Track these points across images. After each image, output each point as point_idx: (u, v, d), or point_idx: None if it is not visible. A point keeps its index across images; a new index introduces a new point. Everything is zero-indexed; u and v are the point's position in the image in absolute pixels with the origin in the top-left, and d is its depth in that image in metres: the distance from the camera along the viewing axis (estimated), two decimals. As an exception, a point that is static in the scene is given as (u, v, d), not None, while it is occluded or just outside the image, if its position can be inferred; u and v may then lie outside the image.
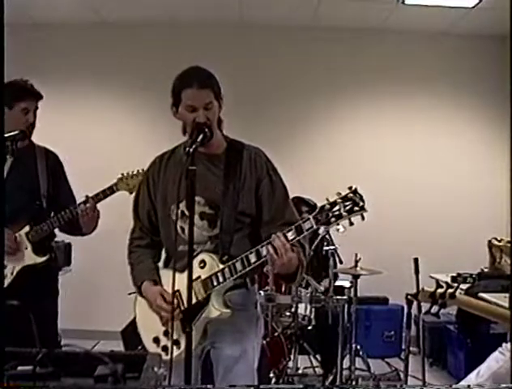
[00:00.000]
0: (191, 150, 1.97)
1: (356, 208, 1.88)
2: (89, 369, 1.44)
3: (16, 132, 2.71)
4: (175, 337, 2.08)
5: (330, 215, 1.90)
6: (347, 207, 1.89)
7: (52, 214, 2.90)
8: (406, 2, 4.98)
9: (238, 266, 2.05)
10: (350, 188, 1.91)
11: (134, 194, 2.50)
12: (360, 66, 5.67)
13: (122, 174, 2.78)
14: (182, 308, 2.10)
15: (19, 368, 1.45)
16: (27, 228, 2.85)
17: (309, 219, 1.94)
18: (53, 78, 5.43)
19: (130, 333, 3.75)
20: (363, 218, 1.89)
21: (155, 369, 1.45)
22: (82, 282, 4.93)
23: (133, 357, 1.53)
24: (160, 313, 2.18)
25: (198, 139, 2.05)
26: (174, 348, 2.06)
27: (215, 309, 2.10)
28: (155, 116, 5.52)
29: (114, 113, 5.78)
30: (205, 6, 5.23)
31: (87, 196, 2.76)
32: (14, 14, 4.63)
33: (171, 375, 1.90)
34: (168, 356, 2.04)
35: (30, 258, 2.85)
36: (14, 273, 2.83)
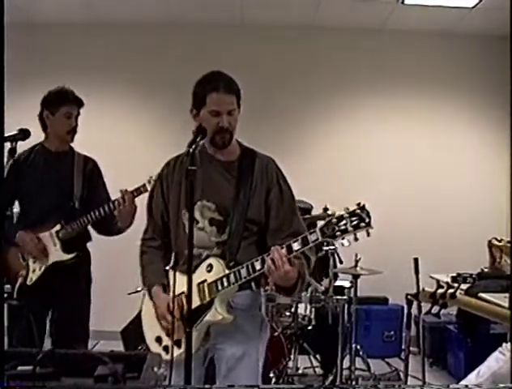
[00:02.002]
0: (191, 150, 1.97)
1: (363, 224, 1.90)
2: (89, 369, 1.44)
3: (16, 132, 2.72)
4: (176, 337, 2.08)
5: (337, 229, 1.93)
6: (354, 223, 1.91)
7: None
8: (406, 2, 4.98)
9: (243, 272, 2.08)
10: (358, 204, 1.93)
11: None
12: (360, 66, 5.66)
13: (150, 177, 2.84)
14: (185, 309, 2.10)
15: (19, 368, 1.45)
16: (58, 227, 2.98)
17: (315, 231, 1.96)
18: (52, 78, 5.43)
19: (130, 333, 3.75)
20: (368, 234, 1.92)
21: (155, 369, 1.46)
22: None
23: (133, 357, 1.54)
24: (161, 321, 2.20)
25: (197, 140, 2.05)
26: (175, 348, 2.07)
27: (217, 314, 2.11)
28: (158, 116, 5.53)
29: (116, 114, 5.77)
30: (206, 6, 5.23)
31: (126, 190, 2.86)
32: (14, 14, 4.63)
33: (171, 375, 1.91)
34: (169, 356, 2.06)
35: (58, 255, 2.97)
36: (43, 269, 2.97)
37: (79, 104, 3.06)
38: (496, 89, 5.32)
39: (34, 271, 2.95)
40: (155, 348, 2.21)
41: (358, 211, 1.92)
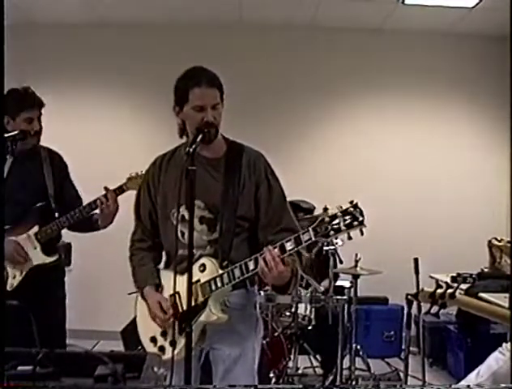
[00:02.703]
0: (191, 150, 1.96)
1: (356, 223, 1.88)
2: (89, 369, 1.44)
3: (16, 132, 2.72)
4: (172, 338, 2.07)
5: (330, 228, 1.90)
6: (347, 222, 1.88)
7: (59, 214, 2.90)
8: (406, 2, 4.98)
9: (237, 272, 2.06)
10: (351, 202, 1.91)
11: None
12: (359, 67, 5.66)
13: (131, 174, 2.80)
14: (181, 310, 2.11)
15: (19, 368, 1.45)
16: (36, 229, 2.85)
17: (308, 231, 1.94)
18: (53, 78, 5.44)
19: (130, 333, 3.74)
20: (362, 233, 1.89)
21: (155, 369, 1.46)
22: (81, 282, 4.93)
23: (133, 357, 1.54)
24: (155, 320, 2.20)
25: (198, 139, 2.04)
26: (171, 348, 2.06)
27: (212, 314, 2.10)
28: (156, 117, 5.52)
29: (115, 114, 5.77)
30: (205, 6, 5.22)
31: (108, 188, 2.78)
32: (14, 14, 4.63)
33: (172, 375, 1.91)
34: (165, 356, 2.07)
35: (39, 258, 2.86)
36: (24, 273, 2.84)
37: (40, 105, 2.85)
38: (496, 89, 5.32)
39: (14, 276, 2.83)
40: (150, 348, 2.21)
41: (351, 209, 1.89)
